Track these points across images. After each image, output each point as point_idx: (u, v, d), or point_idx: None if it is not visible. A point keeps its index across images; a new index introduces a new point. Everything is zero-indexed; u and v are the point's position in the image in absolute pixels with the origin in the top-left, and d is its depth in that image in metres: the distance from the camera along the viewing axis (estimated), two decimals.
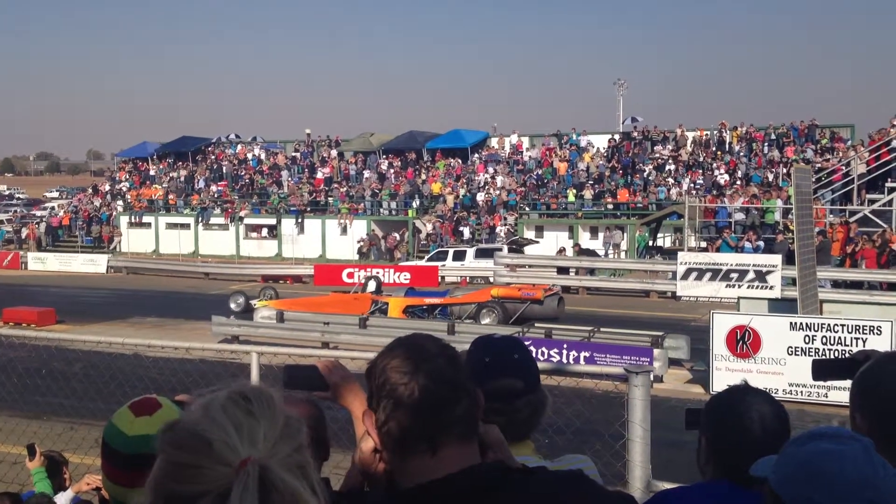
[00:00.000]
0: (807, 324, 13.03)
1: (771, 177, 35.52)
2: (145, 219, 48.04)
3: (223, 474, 1.20)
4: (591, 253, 32.88)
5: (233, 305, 22.69)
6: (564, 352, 15.62)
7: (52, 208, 61.00)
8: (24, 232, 48.80)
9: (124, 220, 48.47)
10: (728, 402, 2.34)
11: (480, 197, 41.25)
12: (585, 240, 37.69)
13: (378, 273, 31.25)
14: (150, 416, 2.02)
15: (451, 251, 33.09)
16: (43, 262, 40.95)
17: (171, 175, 51.76)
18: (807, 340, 12.95)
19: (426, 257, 34.28)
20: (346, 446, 2.27)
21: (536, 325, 17.86)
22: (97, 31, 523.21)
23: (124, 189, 51.88)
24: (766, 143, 39.78)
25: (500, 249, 31.72)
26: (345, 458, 2.29)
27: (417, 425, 1.59)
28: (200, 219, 46.35)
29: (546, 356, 15.35)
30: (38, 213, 61.19)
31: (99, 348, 11.34)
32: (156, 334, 17.88)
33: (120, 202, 50.49)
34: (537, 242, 35.76)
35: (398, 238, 40.12)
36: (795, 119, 40.65)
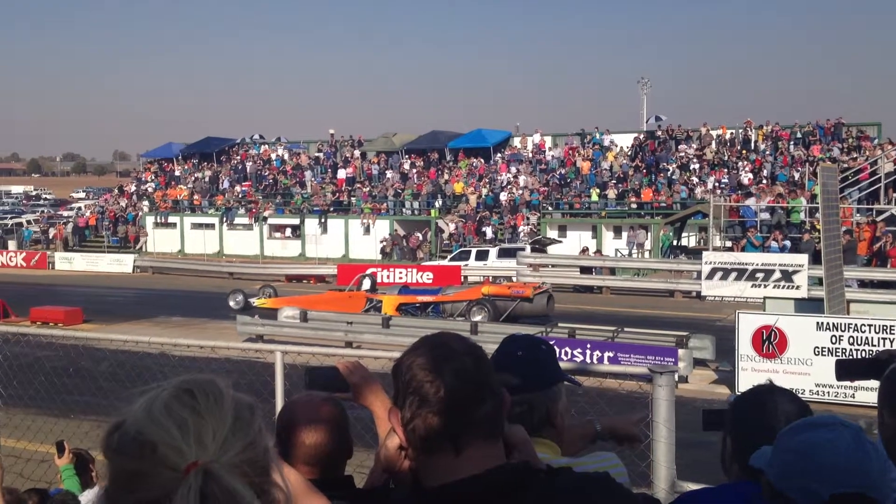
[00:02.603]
0: (833, 324, 12.90)
1: (797, 176, 35.20)
2: (171, 219, 48.43)
3: (171, 479, 1.13)
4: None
5: (232, 304, 23.06)
6: (588, 352, 15.57)
7: (79, 209, 61.57)
8: (52, 232, 49.32)
9: (150, 220, 48.88)
10: (753, 402, 2.32)
11: (503, 196, 41.19)
12: (609, 239, 37.56)
13: (401, 273, 31.44)
14: None
15: (473, 251, 33.09)
16: (70, 262, 41.37)
17: (195, 175, 52.12)
18: (833, 340, 12.82)
19: (449, 257, 34.30)
20: (370, 445, 2.28)
21: (560, 324, 17.84)
22: (124, 32, 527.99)
23: (150, 189, 52.30)
24: (791, 142, 39.43)
25: (523, 249, 31.66)
26: (368, 457, 2.30)
27: (443, 424, 1.59)
28: (225, 219, 46.65)
29: (570, 356, 15.31)
30: (65, 214, 61.89)
31: (126, 347, 11.47)
32: (181, 333, 17.99)
33: (146, 202, 50.92)
34: (560, 242, 35.66)
35: (421, 238, 40.16)
36: (821, 117, 40.31)
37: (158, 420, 1.18)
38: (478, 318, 20.02)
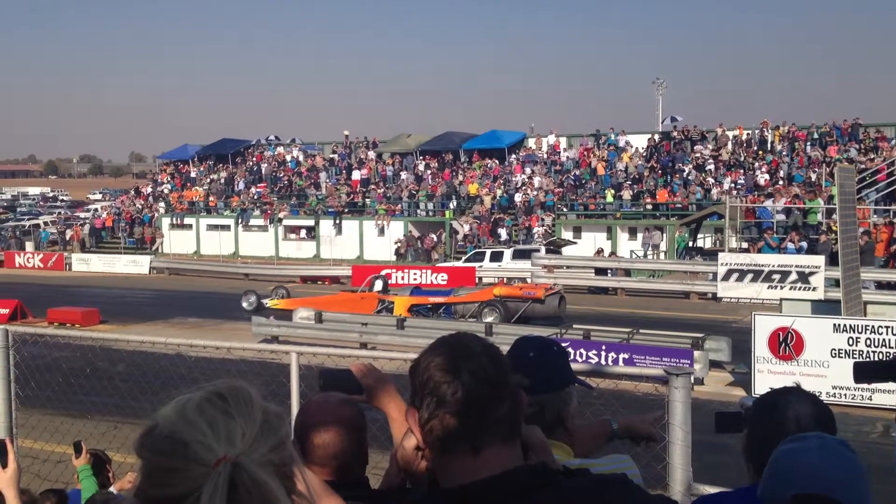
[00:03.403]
0: (850, 325, 12.82)
1: (813, 176, 34.99)
2: (186, 220, 48.63)
3: (200, 475, 1.17)
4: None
5: (245, 304, 23.13)
6: (603, 353, 15.52)
7: (96, 210, 61.90)
8: (69, 233, 49.65)
9: (166, 221, 49.12)
10: (766, 403, 2.31)
11: (518, 198, 41.14)
12: (624, 240, 37.44)
13: (415, 274, 31.46)
14: None
15: (488, 252, 33.07)
16: (87, 264, 41.59)
17: (211, 177, 52.36)
18: (850, 342, 12.73)
19: (463, 258, 34.29)
20: (385, 446, 2.28)
21: (575, 326, 17.80)
22: (139, 34, 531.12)
23: (166, 191, 52.59)
24: (808, 143, 39.20)
25: (538, 250, 31.63)
26: (383, 459, 2.30)
27: (460, 425, 1.58)
28: (240, 220, 46.81)
29: (584, 357, 15.26)
30: (82, 215, 62.18)
31: (142, 348, 11.50)
32: (197, 334, 18.06)
33: (162, 204, 51.17)
34: (575, 243, 35.57)
35: (435, 239, 40.16)
36: (838, 118, 40.04)
37: (190, 419, 1.22)
38: (489, 319, 20.04)
